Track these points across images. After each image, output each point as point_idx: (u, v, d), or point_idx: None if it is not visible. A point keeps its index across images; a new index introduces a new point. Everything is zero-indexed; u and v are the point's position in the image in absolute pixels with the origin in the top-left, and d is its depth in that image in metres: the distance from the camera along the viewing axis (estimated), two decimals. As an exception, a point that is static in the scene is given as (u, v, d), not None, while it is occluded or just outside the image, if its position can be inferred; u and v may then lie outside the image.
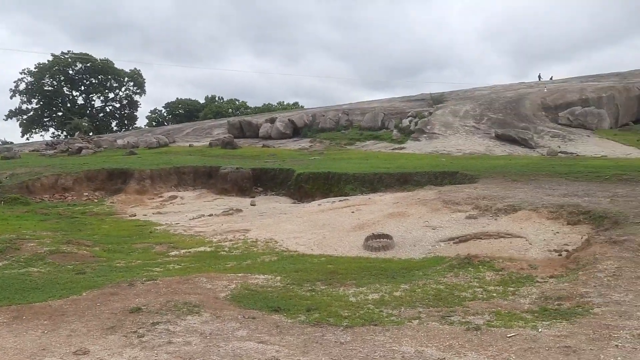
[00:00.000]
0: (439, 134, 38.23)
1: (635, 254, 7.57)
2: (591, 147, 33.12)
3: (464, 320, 5.69)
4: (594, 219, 10.35)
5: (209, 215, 16.12)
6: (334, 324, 5.82)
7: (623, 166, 19.27)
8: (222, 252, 10.72)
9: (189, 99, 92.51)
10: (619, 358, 4.46)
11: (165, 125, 78.47)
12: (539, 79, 69.87)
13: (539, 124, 40.26)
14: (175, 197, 21.23)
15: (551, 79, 71.23)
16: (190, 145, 41.74)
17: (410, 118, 42.64)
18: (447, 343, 5.01)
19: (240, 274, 8.33)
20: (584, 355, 4.54)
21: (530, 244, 9.61)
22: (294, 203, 19.33)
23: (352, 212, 13.74)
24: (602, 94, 45.03)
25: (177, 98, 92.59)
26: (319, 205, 16.06)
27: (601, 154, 29.00)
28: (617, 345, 4.73)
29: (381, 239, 10.59)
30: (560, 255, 8.80)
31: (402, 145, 35.93)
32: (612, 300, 6.02)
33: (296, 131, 44.41)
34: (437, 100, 48.79)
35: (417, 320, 5.80)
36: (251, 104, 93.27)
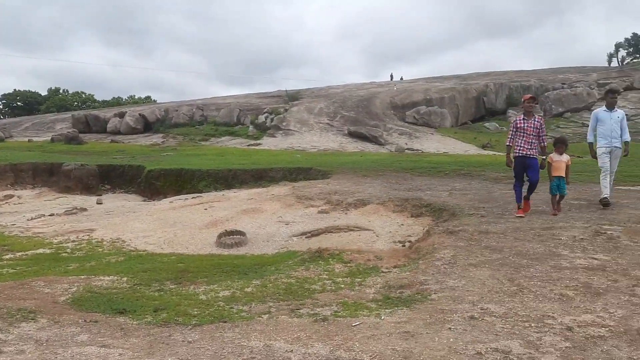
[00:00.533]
0: (294, 130, 38.86)
1: (469, 242, 8.21)
2: (434, 144, 35.44)
3: (312, 312, 5.82)
4: (435, 212, 11.08)
5: (50, 215, 15.06)
6: (182, 323, 5.69)
7: (461, 162, 20.82)
8: (64, 254, 10.05)
9: (29, 91, 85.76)
10: (451, 339, 4.78)
11: (0, 118, 72.16)
12: (391, 79, 73.47)
13: (388, 122, 42.34)
14: (11, 196, 19.56)
15: (401, 79, 75.20)
16: (29, 141, 38.76)
17: (266, 114, 42.91)
18: (295, 335, 5.09)
19: (83, 276, 7.87)
20: (420, 339, 4.82)
21: (377, 236, 10.07)
22: (145, 201, 18.64)
23: (205, 209, 13.54)
24: (445, 94, 48.40)
25: (15, 89, 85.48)
26: (170, 202, 15.64)
27: (443, 150, 31.11)
28: (450, 328, 5.08)
29: (234, 236, 10.55)
30: (404, 246, 9.32)
31: (258, 142, 36.06)
32: (447, 286, 6.47)
33: (148, 126, 42.86)
34: (292, 97, 49.56)
35: (267, 315, 5.85)
36: (99, 97, 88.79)
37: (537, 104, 10.10)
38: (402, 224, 10.82)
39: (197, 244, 10.63)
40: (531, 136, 9.64)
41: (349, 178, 16.83)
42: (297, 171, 18.93)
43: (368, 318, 5.54)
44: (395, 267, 7.76)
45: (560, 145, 10.04)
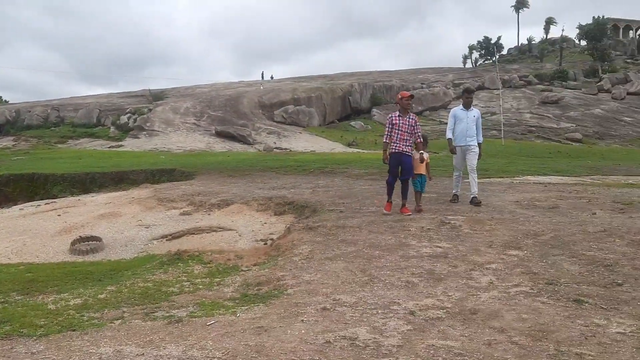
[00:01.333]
0: (159, 131, 37.85)
1: (326, 237, 8.48)
2: (302, 142, 36.06)
3: (167, 314, 5.74)
4: (297, 209, 11.31)
5: None
6: (27, 334, 5.37)
7: (326, 160, 21.40)
8: None
9: None
10: (302, 331, 4.94)
11: None
12: (262, 77, 73.68)
13: (256, 121, 42.48)
14: None
15: (272, 77, 75.66)
16: None
17: (128, 114, 41.40)
18: (148, 339, 5.00)
19: None
20: (273, 333, 4.93)
21: (240, 235, 10.10)
22: (-8, 209, 17.29)
23: (59, 215, 12.81)
24: (312, 94, 49.40)
25: None
26: (20, 209, 14.61)
27: (310, 149, 31.76)
28: (302, 320, 5.24)
29: (90, 242, 10.09)
30: (265, 244, 9.42)
31: (120, 143, 34.71)
32: (303, 280, 6.65)
33: (-3, 129, 39.78)
34: (156, 96, 48.21)
35: (120, 320, 5.68)
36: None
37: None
38: (265, 223, 10.94)
39: (48, 252, 10.04)
40: (406, 133, 9.56)
41: (214, 178, 16.71)
42: (160, 173, 18.48)
43: (224, 316, 5.56)
44: (255, 265, 7.84)
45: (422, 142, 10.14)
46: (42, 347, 5.01)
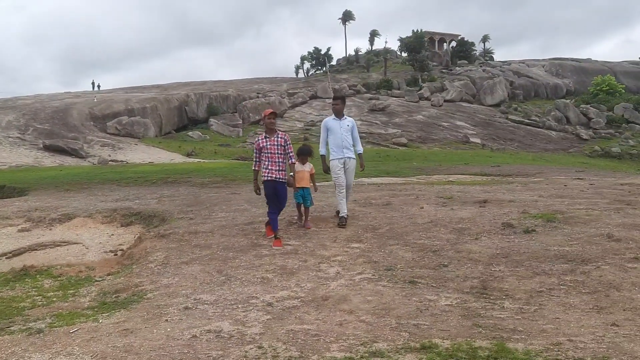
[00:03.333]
0: (-23, 146, 34.77)
1: (180, 243, 8.71)
2: (139, 154, 35.16)
3: (24, 327, 5.66)
4: (145, 219, 11.31)
5: None
6: None
7: (167, 170, 21.24)
8: None
9: None
10: (168, 329, 5.21)
11: None
12: (93, 87, 70.14)
13: (88, 133, 40.61)
14: None
15: (98, 87, 72.30)
16: None
17: (-61, 130, 37.49)
18: (10, 351, 4.96)
19: None
20: (139, 333, 5.14)
21: (87, 248, 9.92)
22: None
23: None
24: (146, 104, 48.27)
25: None
26: None
27: (148, 160, 31.11)
28: (167, 320, 5.50)
29: None
30: (116, 254, 9.38)
31: None
32: (162, 284, 6.87)
33: None
34: (-28, 109, 44.12)
35: (-26, 339, 5.51)
36: None
37: (275, 118, 8.69)
38: (113, 234, 10.81)
39: None
40: (276, 155, 8.33)
41: (50, 193, 15.92)
42: (-12, 190, 17.20)
43: (86, 324, 5.63)
44: (109, 274, 7.86)
45: (304, 156, 9.23)
46: None
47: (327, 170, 9.39)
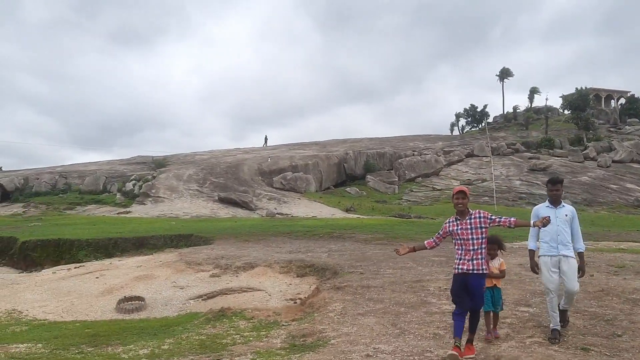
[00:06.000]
0: (164, 197, 38.94)
1: (354, 296, 9.51)
2: (302, 208, 37.20)
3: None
4: (318, 271, 12.33)
5: None
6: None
7: (331, 225, 22.51)
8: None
9: None
10: (355, 372, 5.94)
11: None
12: (265, 142, 75.61)
13: (256, 187, 43.74)
14: None
15: (265, 140, 77.50)
16: None
17: (133, 181, 42.60)
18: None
19: (-5, 347, 8.07)
20: (331, 373, 5.93)
21: (269, 295, 11.08)
22: (21, 273, 18.09)
23: (97, 277, 13.73)
24: (309, 161, 51.02)
25: None
26: (53, 273, 15.47)
27: (311, 214, 32.85)
28: (351, 364, 6.25)
29: (133, 301, 11.04)
30: (296, 302, 10.40)
31: (128, 209, 35.68)
32: (342, 332, 7.65)
33: (5, 195, 40.72)
34: (159, 163, 49.58)
35: (192, 367, 6.64)
36: None
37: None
38: (290, 284, 11.93)
39: (96, 310, 10.95)
40: (471, 241, 6.57)
41: (231, 243, 17.71)
42: (178, 238, 19.48)
43: (283, 361, 6.55)
44: (293, 320, 8.82)
45: (492, 245, 7.35)
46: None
47: (534, 268, 7.51)
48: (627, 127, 76.45)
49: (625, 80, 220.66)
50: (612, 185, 51.88)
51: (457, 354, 6.15)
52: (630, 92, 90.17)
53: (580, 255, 7.32)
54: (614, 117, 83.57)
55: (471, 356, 6.29)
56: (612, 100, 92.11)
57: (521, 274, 10.69)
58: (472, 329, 6.65)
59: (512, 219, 6.53)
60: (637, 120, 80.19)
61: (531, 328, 7.47)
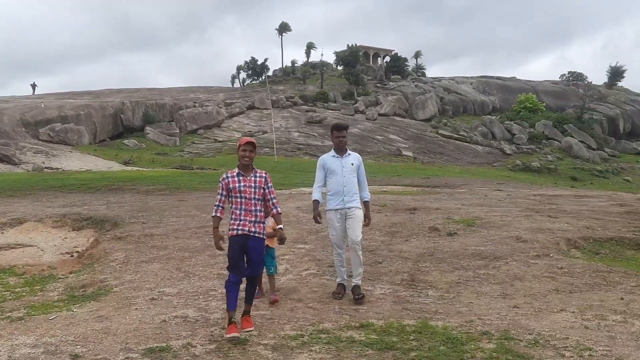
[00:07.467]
0: None
1: (137, 245, 9.39)
2: (75, 162, 34.87)
3: (4, 316, 6.23)
4: (96, 223, 11.82)
5: None
6: None
7: (109, 178, 21.51)
8: None
9: None
10: (139, 315, 5.96)
11: None
12: (33, 90, 68.53)
13: (20, 140, 39.76)
14: None
15: (33, 88, 70.44)
16: None
17: None
18: (-3, 334, 5.57)
19: None
20: (114, 319, 5.86)
21: (42, 250, 10.38)
22: None
23: None
24: (80, 111, 47.62)
25: None
26: None
27: (85, 168, 30.94)
28: (136, 308, 6.25)
29: None
30: (72, 256, 9.90)
31: None
32: (126, 280, 7.57)
33: None
34: None
35: (-44, 327, 6.06)
36: None
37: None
38: (66, 238, 11.27)
39: None
40: (253, 201, 5.80)
41: (-5, 199, 16.07)
42: None
43: (61, 312, 6.29)
44: (71, 273, 8.46)
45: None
46: None
47: (317, 218, 6.92)
48: (391, 83, 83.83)
49: (396, 39, 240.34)
50: (378, 137, 56.93)
51: (237, 335, 5.29)
52: (394, 50, 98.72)
53: (365, 204, 7.06)
54: (380, 74, 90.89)
55: (250, 329, 5.48)
56: (379, 58, 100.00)
57: (299, 215, 11.45)
58: (249, 299, 5.78)
59: (278, 210, 6.02)
60: (399, 77, 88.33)
61: (307, 262, 8.15)
